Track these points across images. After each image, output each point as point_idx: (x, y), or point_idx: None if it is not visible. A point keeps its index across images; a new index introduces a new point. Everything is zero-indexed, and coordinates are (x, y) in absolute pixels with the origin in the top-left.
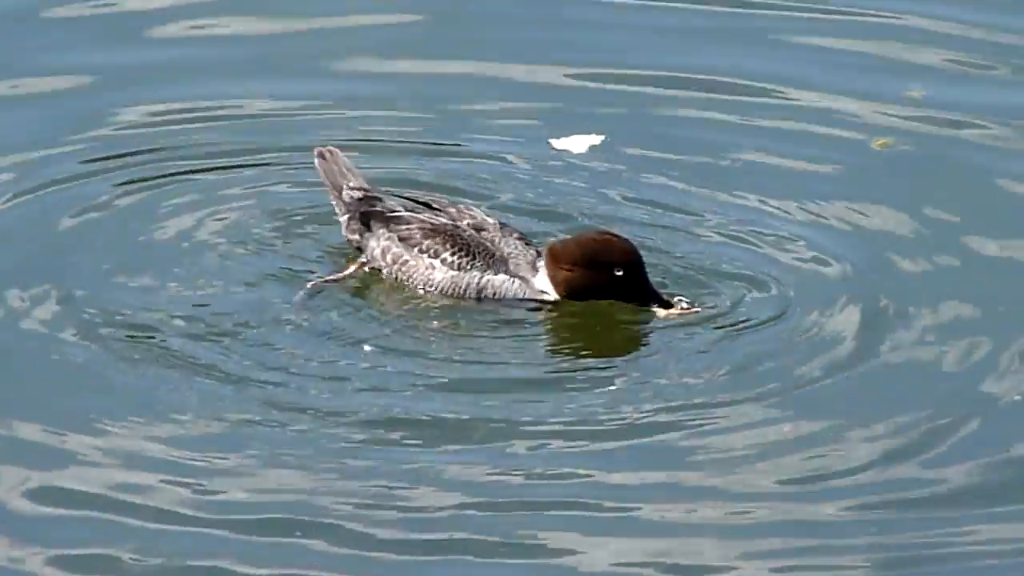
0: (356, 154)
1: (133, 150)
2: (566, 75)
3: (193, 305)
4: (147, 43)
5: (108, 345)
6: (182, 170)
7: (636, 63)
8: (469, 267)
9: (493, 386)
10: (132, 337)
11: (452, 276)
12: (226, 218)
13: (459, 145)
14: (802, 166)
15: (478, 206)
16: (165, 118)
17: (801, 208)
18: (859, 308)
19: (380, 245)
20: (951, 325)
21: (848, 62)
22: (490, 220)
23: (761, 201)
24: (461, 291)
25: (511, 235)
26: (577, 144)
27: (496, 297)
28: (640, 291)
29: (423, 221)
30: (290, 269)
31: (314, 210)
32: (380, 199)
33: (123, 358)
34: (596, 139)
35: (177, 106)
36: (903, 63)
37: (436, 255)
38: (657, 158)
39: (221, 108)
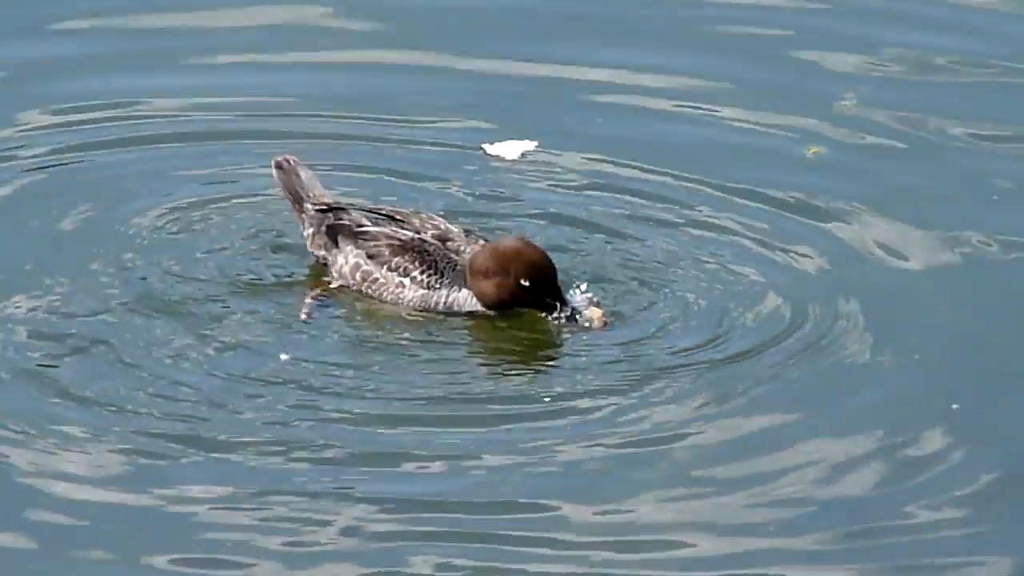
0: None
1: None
2: (500, 80)
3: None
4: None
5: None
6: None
7: (569, 69)
8: (438, 285)
9: (427, 413)
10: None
11: (422, 294)
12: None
13: (392, 151)
14: (737, 174)
15: (439, 213)
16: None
17: (735, 215)
18: (776, 322)
19: (349, 262)
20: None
21: (785, 67)
22: (454, 229)
23: (693, 207)
24: (431, 307)
25: (476, 243)
26: (510, 150)
27: (462, 311)
28: (548, 303)
29: (390, 237)
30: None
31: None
32: (345, 211)
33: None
34: (530, 145)
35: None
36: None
37: (406, 273)
38: (590, 164)
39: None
